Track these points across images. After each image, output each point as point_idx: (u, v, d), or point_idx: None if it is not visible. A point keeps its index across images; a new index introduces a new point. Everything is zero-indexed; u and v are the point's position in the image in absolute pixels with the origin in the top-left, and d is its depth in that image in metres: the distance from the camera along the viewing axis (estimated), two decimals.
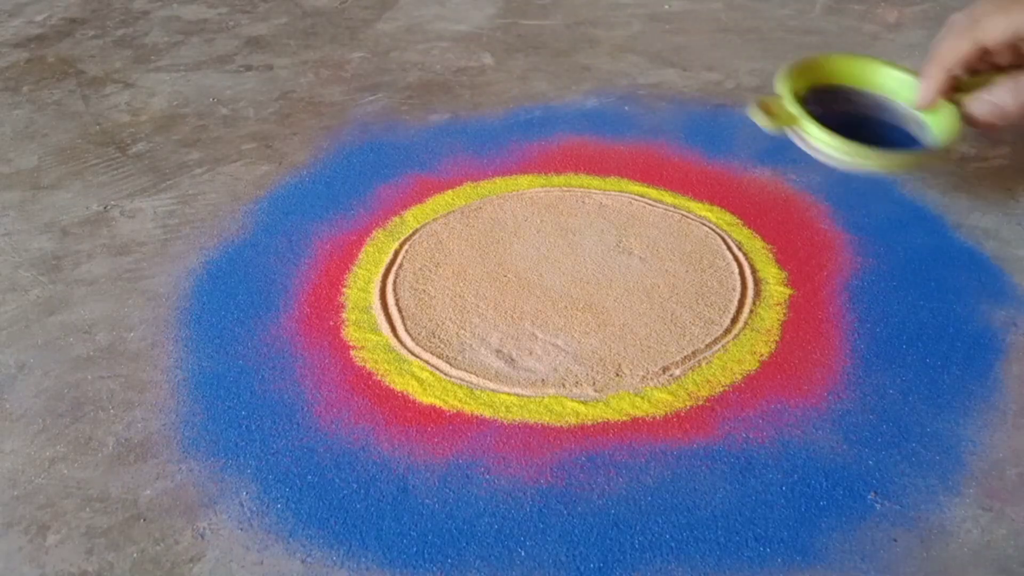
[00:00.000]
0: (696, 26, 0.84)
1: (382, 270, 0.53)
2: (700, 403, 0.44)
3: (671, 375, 0.46)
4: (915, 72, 0.53)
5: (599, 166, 0.62)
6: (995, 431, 0.42)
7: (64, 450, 0.43)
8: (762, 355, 0.47)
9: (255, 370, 0.47)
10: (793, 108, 0.52)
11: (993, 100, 0.48)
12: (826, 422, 0.43)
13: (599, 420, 0.43)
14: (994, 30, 0.46)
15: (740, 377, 0.46)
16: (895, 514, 0.39)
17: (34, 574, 0.37)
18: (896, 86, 0.55)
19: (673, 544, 0.38)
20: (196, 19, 0.89)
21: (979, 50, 0.47)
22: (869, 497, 0.39)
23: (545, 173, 0.62)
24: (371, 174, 0.63)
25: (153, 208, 0.60)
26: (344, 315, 0.50)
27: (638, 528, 0.38)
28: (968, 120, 0.49)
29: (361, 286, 0.52)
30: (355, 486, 0.41)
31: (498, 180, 0.61)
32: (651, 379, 0.46)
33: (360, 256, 0.55)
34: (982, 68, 0.49)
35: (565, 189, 0.60)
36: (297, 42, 0.84)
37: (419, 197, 0.60)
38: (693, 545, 0.38)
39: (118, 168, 0.64)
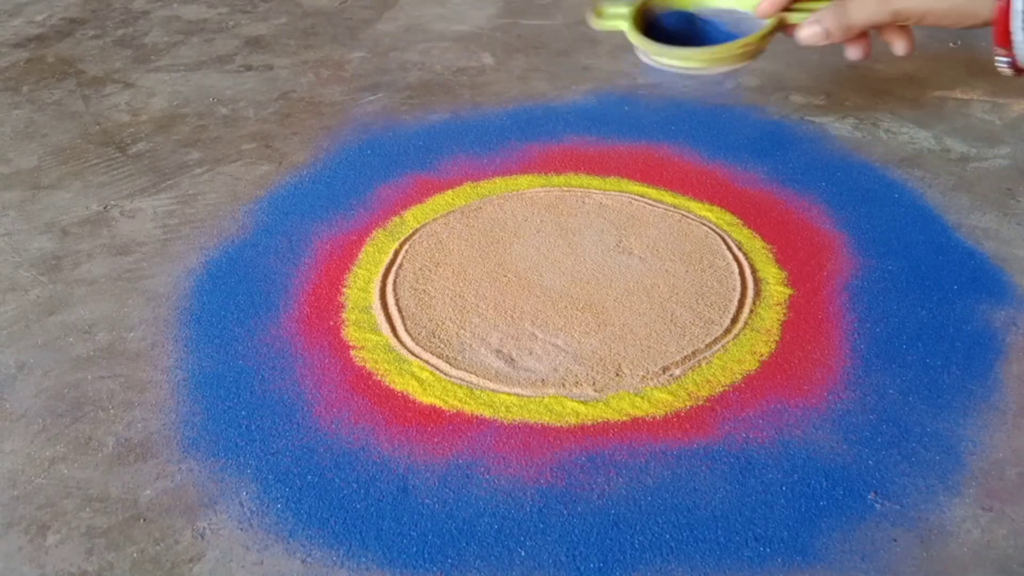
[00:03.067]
0: None
1: (382, 270, 0.53)
2: (700, 403, 0.44)
3: (671, 375, 0.46)
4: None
5: (599, 166, 0.62)
6: (995, 431, 0.42)
7: (64, 450, 0.43)
8: (762, 355, 0.47)
9: (255, 370, 0.47)
10: (619, 14, 0.57)
11: (818, 22, 0.50)
12: (826, 422, 0.43)
13: (599, 420, 0.43)
14: None
15: (740, 377, 0.46)
16: (895, 514, 0.39)
17: (34, 574, 0.37)
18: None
19: (673, 544, 0.38)
20: (196, 19, 0.89)
21: None
22: (869, 497, 0.39)
23: (545, 173, 0.62)
24: (371, 174, 0.63)
25: (153, 208, 0.60)
26: (344, 315, 0.50)
27: (638, 528, 0.38)
28: (797, 37, 0.52)
29: (361, 286, 0.52)
30: (355, 486, 0.41)
31: (498, 180, 0.61)
32: (651, 379, 0.46)
33: (360, 256, 0.55)
34: None
35: (565, 189, 0.60)
36: (297, 42, 0.84)
37: (419, 197, 0.60)
38: (693, 545, 0.38)
39: (118, 168, 0.64)
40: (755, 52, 0.54)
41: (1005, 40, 0.43)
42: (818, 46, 0.51)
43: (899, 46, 0.51)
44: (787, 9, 0.52)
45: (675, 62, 0.54)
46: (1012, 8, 0.42)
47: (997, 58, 0.46)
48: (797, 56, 0.78)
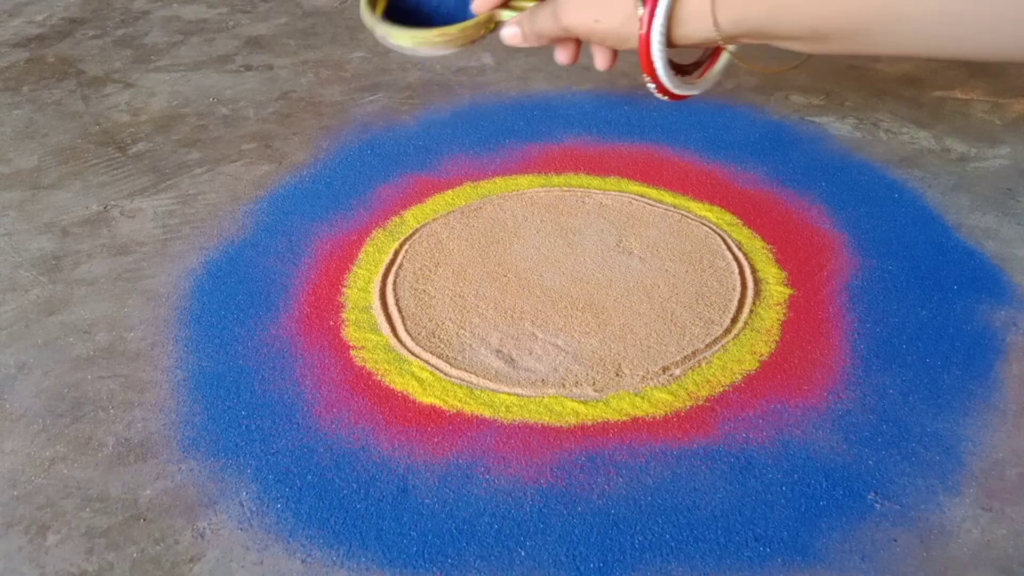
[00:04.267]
0: None
1: (382, 270, 0.53)
2: (700, 403, 0.44)
3: (671, 375, 0.46)
4: None
5: (599, 166, 0.62)
6: (995, 431, 0.42)
7: (64, 450, 0.43)
8: (762, 355, 0.47)
9: (255, 370, 0.47)
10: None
11: (517, 23, 0.49)
12: (826, 422, 0.43)
13: (599, 420, 0.43)
14: None
15: (740, 377, 0.46)
16: (895, 514, 0.39)
17: (34, 574, 0.37)
18: None
19: (673, 544, 0.38)
20: (196, 19, 0.89)
21: None
22: (869, 497, 0.39)
23: (545, 173, 0.62)
24: (371, 174, 0.63)
25: (153, 208, 0.60)
26: (344, 315, 0.50)
27: (638, 528, 0.38)
28: (500, 35, 0.50)
29: (361, 286, 0.52)
30: (355, 486, 0.41)
31: (498, 180, 0.61)
32: (651, 379, 0.46)
33: (360, 256, 0.55)
34: None
35: (565, 189, 0.60)
36: (297, 42, 0.84)
37: (419, 197, 0.60)
38: (693, 545, 0.38)
39: (118, 168, 0.64)
40: (461, 40, 0.51)
41: (650, 68, 0.45)
42: (518, 47, 0.50)
43: (562, 55, 0.51)
44: (502, 6, 0.51)
45: (391, 40, 0.52)
46: (651, 39, 0.44)
47: (647, 84, 0.47)
48: (797, 56, 0.78)
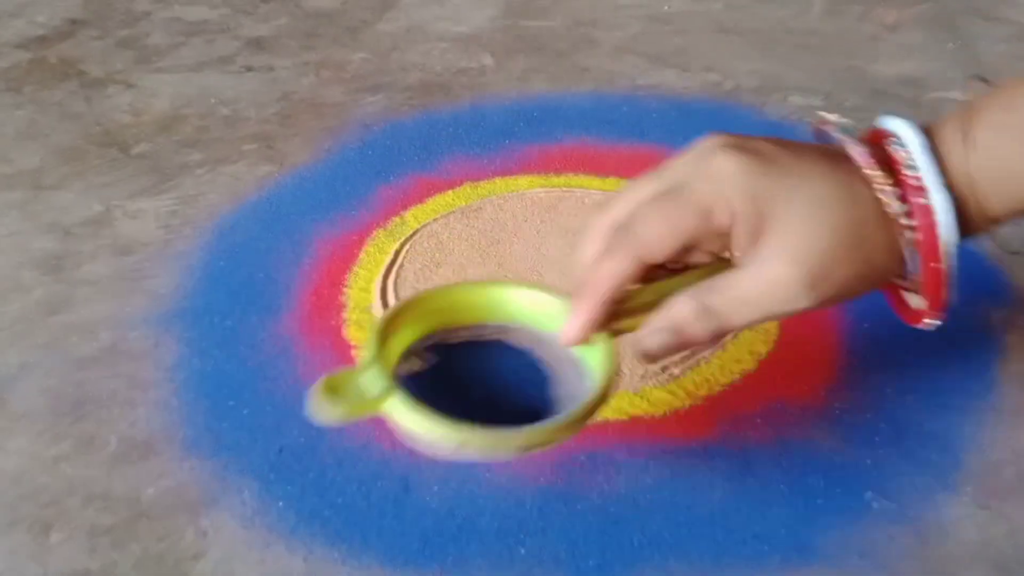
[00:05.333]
0: (696, 26, 0.84)
1: (383, 270, 0.53)
2: (699, 402, 0.44)
3: (670, 374, 0.46)
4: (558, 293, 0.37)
5: (599, 166, 0.63)
6: (993, 430, 0.42)
7: (67, 449, 0.43)
8: (760, 354, 0.47)
9: (257, 369, 0.47)
10: (376, 381, 0.33)
11: (670, 325, 0.35)
12: (824, 421, 0.43)
13: (598, 419, 0.43)
14: (659, 244, 0.34)
15: (739, 376, 0.46)
16: (893, 513, 0.39)
17: (37, 572, 0.37)
18: (538, 313, 0.38)
19: (672, 542, 0.38)
20: (197, 20, 0.89)
21: (643, 268, 0.35)
22: (867, 496, 0.40)
23: (545, 173, 0.62)
24: (372, 174, 0.63)
25: (155, 208, 0.60)
26: (345, 315, 0.51)
27: (637, 526, 0.39)
28: (643, 358, 0.36)
29: (362, 286, 0.53)
30: (356, 484, 0.41)
31: (498, 180, 0.61)
32: (650, 378, 0.46)
33: (361, 256, 0.55)
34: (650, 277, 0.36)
35: (565, 190, 0.60)
36: (298, 43, 0.84)
37: (420, 197, 0.60)
38: (692, 543, 0.38)
39: (120, 168, 0.65)
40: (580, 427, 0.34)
41: (940, 297, 0.34)
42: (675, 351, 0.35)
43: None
44: (620, 313, 0.35)
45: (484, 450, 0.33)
46: (941, 255, 0.33)
47: (930, 324, 0.36)
48: (797, 56, 0.78)
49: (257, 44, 0.84)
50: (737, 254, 0.34)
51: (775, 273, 0.33)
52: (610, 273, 0.34)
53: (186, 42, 0.84)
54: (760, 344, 0.48)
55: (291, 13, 0.90)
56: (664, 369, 0.46)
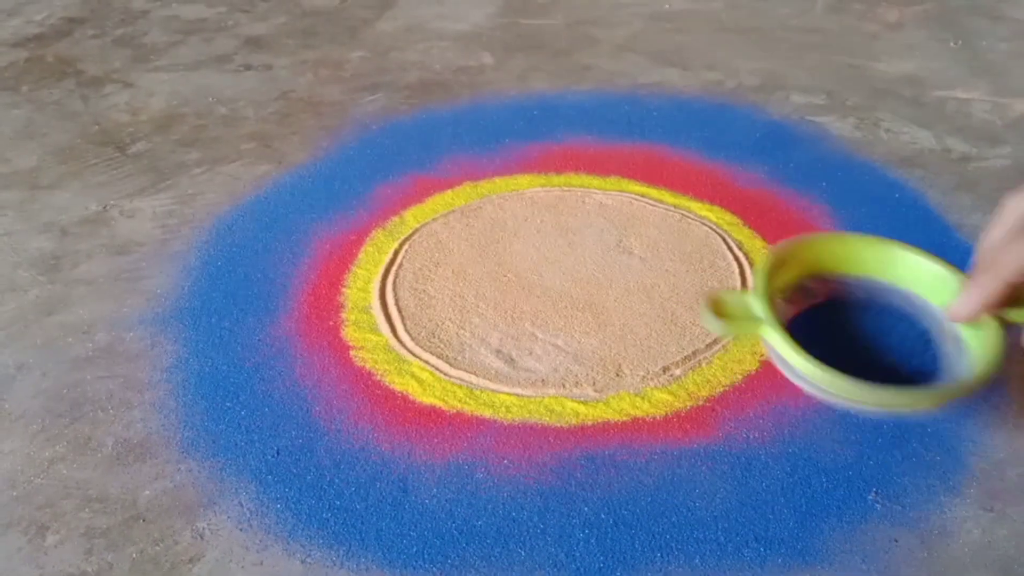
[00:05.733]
0: (696, 25, 0.84)
1: (382, 270, 0.53)
2: (700, 403, 0.44)
3: (671, 375, 0.46)
4: (949, 266, 0.39)
5: (599, 166, 0.62)
6: (996, 432, 0.42)
7: (63, 450, 0.43)
8: (762, 355, 0.47)
9: (255, 370, 0.47)
10: (758, 307, 0.37)
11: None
12: (826, 422, 0.43)
13: (599, 420, 0.43)
14: None
15: (740, 377, 0.46)
16: (896, 514, 0.39)
17: (33, 574, 0.37)
18: (925, 279, 0.39)
19: (673, 544, 0.38)
20: (195, 18, 0.89)
21: None
22: (870, 497, 0.39)
23: (545, 173, 0.62)
24: (371, 174, 0.62)
25: (152, 208, 0.60)
26: (344, 315, 0.50)
27: (638, 528, 0.38)
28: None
29: (361, 286, 0.52)
30: (355, 486, 0.40)
31: (498, 180, 0.61)
32: (651, 379, 0.45)
33: (360, 256, 0.55)
34: None
35: (565, 189, 0.60)
36: (296, 42, 0.83)
37: (419, 197, 0.60)
38: (693, 545, 0.38)
39: (117, 168, 0.64)
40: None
41: None
42: None
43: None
44: (1013, 301, 0.36)
45: (852, 398, 0.36)
46: None
47: None
48: (799, 55, 0.78)
49: (255, 43, 0.83)
50: None
51: None
52: (1017, 256, 0.34)
53: (184, 41, 0.84)
54: (762, 345, 0.47)
55: (289, 11, 0.90)
56: (665, 370, 0.46)
